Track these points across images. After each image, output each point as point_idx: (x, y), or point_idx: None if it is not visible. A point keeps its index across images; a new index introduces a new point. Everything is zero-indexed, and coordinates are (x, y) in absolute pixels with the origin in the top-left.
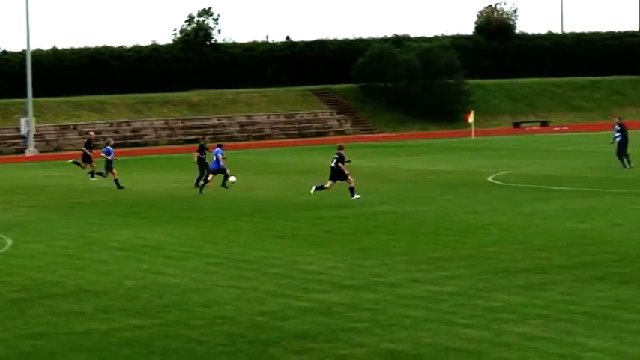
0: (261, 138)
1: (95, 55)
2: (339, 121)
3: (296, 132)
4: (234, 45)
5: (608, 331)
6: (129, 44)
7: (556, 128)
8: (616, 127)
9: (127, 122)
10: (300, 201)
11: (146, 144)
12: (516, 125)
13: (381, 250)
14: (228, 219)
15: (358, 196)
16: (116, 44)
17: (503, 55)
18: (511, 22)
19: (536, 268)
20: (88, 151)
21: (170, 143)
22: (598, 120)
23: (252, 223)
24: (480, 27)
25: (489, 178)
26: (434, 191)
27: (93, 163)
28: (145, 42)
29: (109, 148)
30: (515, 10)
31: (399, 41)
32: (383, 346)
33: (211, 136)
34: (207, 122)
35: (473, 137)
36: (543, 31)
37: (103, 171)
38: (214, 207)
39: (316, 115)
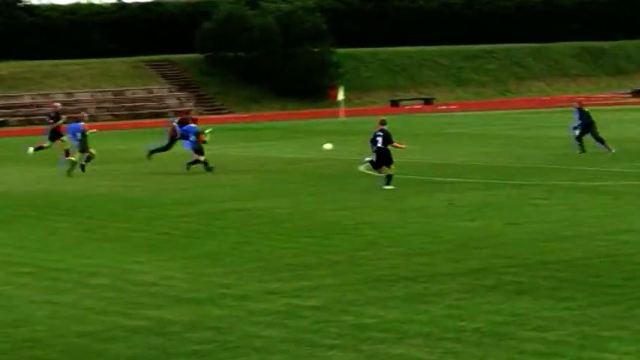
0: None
1: None
2: (179, 98)
3: (127, 112)
4: (53, 7)
5: (502, 352)
6: None
7: (442, 107)
8: (576, 112)
9: None
10: (131, 197)
11: None
12: (394, 103)
13: (229, 255)
14: (42, 219)
15: (392, 187)
16: None
17: (379, 18)
18: None
19: (417, 276)
20: (55, 125)
21: None
22: (493, 96)
23: (72, 223)
24: None
25: (361, 168)
26: (294, 184)
27: (64, 138)
28: None
29: (78, 124)
30: None
31: (253, 2)
32: None
33: (22, 119)
34: (18, 101)
35: (342, 118)
36: None
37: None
38: (25, 205)
39: (152, 92)
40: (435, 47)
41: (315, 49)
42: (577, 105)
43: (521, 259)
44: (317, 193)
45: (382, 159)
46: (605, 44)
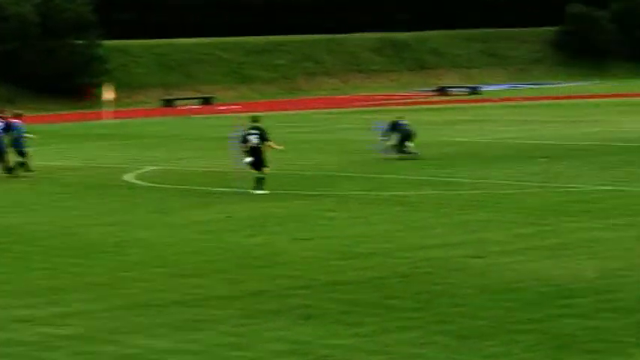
0: None
1: None
2: None
3: None
4: None
5: None
6: None
7: (222, 107)
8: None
9: None
10: None
11: None
12: (168, 103)
13: None
14: None
15: (265, 192)
16: None
17: (154, 6)
18: None
19: (189, 300)
20: None
21: None
22: (280, 95)
23: None
24: None
25: (128, 177)
26: (51, 195)
27: None
28: None
29: None
30: None
31: None
32: None
33: None
34: None
35: (107, 120)
36: None
37: None
38: None
39: None
40: (215, 39)
41: (79, 42)
42: (394, 119)
43: (308, 280)
44: (77, 206)
45: (259, 158)
46: (408, 36)
